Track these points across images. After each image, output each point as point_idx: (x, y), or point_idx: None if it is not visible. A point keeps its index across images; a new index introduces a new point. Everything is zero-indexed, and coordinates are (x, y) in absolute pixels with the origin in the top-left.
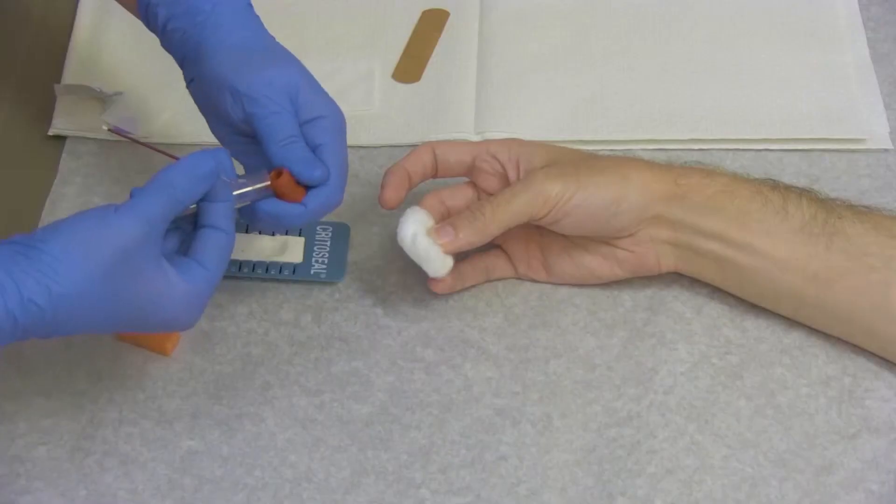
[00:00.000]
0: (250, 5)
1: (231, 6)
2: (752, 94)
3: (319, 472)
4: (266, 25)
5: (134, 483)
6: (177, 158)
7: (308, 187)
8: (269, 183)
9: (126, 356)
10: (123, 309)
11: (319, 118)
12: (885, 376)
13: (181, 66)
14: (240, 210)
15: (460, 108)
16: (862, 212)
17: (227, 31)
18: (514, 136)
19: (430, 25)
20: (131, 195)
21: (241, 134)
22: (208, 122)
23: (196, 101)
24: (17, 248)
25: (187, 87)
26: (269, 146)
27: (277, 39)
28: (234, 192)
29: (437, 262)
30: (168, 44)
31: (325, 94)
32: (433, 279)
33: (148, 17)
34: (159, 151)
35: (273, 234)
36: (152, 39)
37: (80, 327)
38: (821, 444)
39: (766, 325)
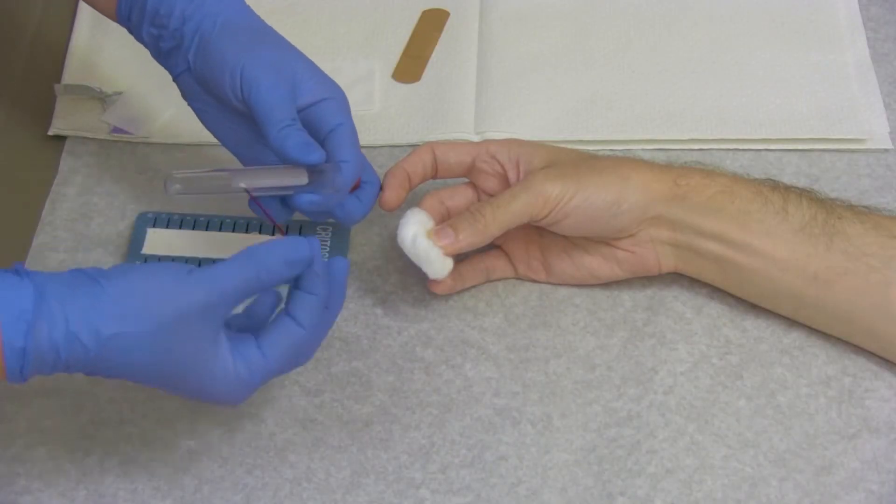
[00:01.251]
0: None
1: None
2: (752, 94)
3: (319, 472)
4: None
5: (134, 483)
6: (278, 227)
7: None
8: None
9: None
10: (168, 372)
11: (327, 99)
12: (885, 376)
13: (168, 57)
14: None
15: (460, 108)
16: (862, 212)
17: (228, 15)
18: (514, 136)
19: (430, 25)
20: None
21: (238, 122)
22: (201, 114)
23: (188, 94)
24: (79, 278)
25: (175, 80)
26: (268, 130)
27: None
28: (262, 185)
29: (437, 263)
30: (156, 32)
31: (326, 75)
32: (433, 280)
33: (132, 7)
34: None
35: (273, 234)
36: None
37: (120, 374)
38: (821, 444)
39: (766, 325)
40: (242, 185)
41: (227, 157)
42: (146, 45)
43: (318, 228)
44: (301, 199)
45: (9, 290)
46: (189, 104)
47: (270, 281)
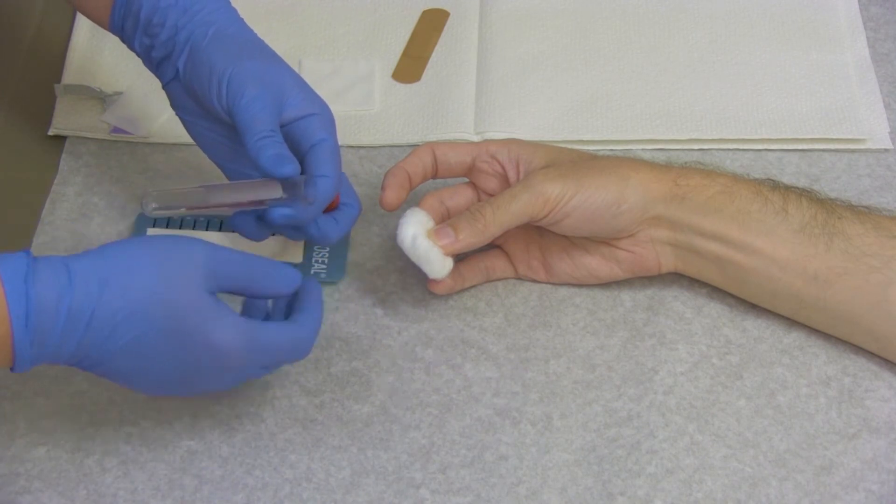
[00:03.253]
0: (233, 6)
1: (219, 2)
2: (752, 94)
3: (319, 472)
4: (266, 25)
5: (134, 483)
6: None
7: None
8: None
9: None
10: (172, 318)
11: (313, 115)
12: (885, 376)
13: (158, 66)
14: (253, 216)
15: (460, 108)
16: (862, 212)
17: (220, 26)
18: (514, 136)
19: (430, 25)
20: None
21: (222, 133)
22: (187, 124)
23: (176, 103)
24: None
25: (164, 88)
26: (246, 140)
27: (278, 40)
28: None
29: (437, 263)
30: (148, 41)
31: (313, 91)
32: (433, 280)
33: (126, 17)
34: None
35: (273, 234)
36: None
37: (129, 332)
38: (821, 444)
39: (766, 325)
40: (217, 200)
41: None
42: (138, 55)
43: None
44: (275, 213)
45: (4, 256)
46: (177, 113)
47: (259, 286)
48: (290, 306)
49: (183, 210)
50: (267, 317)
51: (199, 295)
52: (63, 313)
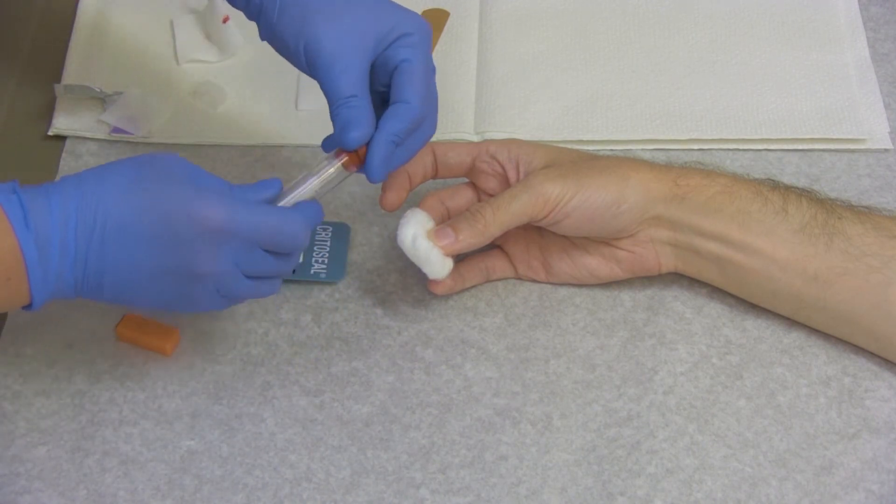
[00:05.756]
0: None
1: None
2: (752, 94)
3: (319, 472)
4: None
5: (134, 483)
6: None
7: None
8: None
9: (126, 356)
10: (156, 188)
11: (404, 35)
12: (885, 376)
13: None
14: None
15: (460, 108)
16: (862, 212)
17: None
18: (514, 136)
19: (430, 25)
20: None
21: None
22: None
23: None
24: None
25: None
26: (330, 111)
27: None
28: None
29: (437, 264)
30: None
31: (399, 12)
32: (433, 281)
33: None
34: None
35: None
36: (152, 39)
37: (117, 208)
38: (821, 444)
39: (766, 325)
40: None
41: (226, 156)
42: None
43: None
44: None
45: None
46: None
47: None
48: None
49: None
50: None
51: (178, 178)
52: (57, 203)
